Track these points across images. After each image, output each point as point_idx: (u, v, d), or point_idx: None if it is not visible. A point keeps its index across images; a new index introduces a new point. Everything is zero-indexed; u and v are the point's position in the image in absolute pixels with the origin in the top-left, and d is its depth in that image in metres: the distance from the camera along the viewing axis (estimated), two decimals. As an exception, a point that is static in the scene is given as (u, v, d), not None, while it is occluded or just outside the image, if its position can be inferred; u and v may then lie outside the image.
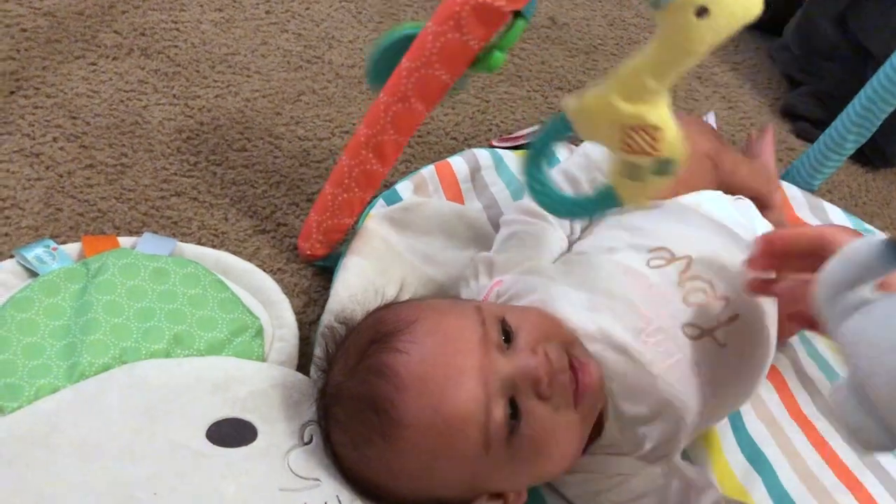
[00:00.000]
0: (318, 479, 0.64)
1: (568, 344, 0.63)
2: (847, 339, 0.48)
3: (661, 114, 0.57)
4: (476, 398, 0.58)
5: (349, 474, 0.64)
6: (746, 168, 0.96)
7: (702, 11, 0.52)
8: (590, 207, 0.65)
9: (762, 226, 0.84)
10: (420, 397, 0.58)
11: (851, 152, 1.10)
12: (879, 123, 1.04)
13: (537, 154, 0.65)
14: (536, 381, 0.59)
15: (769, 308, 0.76)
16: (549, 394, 0.59)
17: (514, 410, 0.59)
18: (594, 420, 0.64)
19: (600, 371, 0.64)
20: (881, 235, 0.53)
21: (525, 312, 0.65)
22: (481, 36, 0.64)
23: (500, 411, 0.58)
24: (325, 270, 0.86)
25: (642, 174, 0.59)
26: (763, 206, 0.93)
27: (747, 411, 0.81)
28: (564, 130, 0.62)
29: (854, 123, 1.05)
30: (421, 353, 0.59)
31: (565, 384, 0.60)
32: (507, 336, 0.62)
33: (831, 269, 0.50)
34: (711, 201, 0.82)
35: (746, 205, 0.87)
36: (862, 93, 1.03)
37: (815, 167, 1.13)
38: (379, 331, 0.63)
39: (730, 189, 0.89)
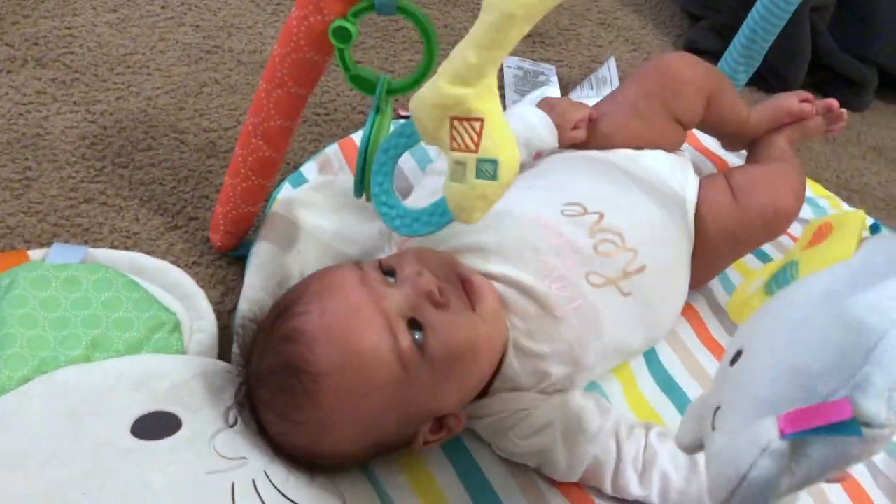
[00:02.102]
0: (244, 458, 0.66)
1: (452, 263, 0.68)
2: None
3: (486, 104, 0.54)
4: (379, 326, 0.62)
5: (278, 446, 0.67)
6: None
7: None
8: (425, 220, 0.60)
9: (693, 184, 0.87)
10: (329, 344, 0.62)
11: (745, 81, 1.14)
12: (765, 51, 1.08)
13: (382, 162, 0.62)
14: (428, 294, 0.63)
15: (680, 259, 0.80)
16: (445, 301, 0.64)
17: (417, 323, 0.63)
18: (498, 333, 0.68)
19: (490, 283, 0.68)
20: None
21: (407, 251, 0.70)
22: (338, 11, 0.65)
23: (403, 331, 0.62)
24: (240, 259, 0.88)
25: (467, 175, 0.54)
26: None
27: (661, 346, 0.85)
28: (411, 135, 0.59)
29: (741, 54, 1.09)
30: (319, 307, 0.63)
31: (458, 292, 0.66)
32: (391, 271, 0.66)
33: None
34: (650, 155, 0.86)
35: (684, 161, 0.90)
36: (746, 23, 1.07)
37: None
38: (279, 307, 0.67)
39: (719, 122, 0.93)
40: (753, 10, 1.04)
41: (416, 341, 0.62)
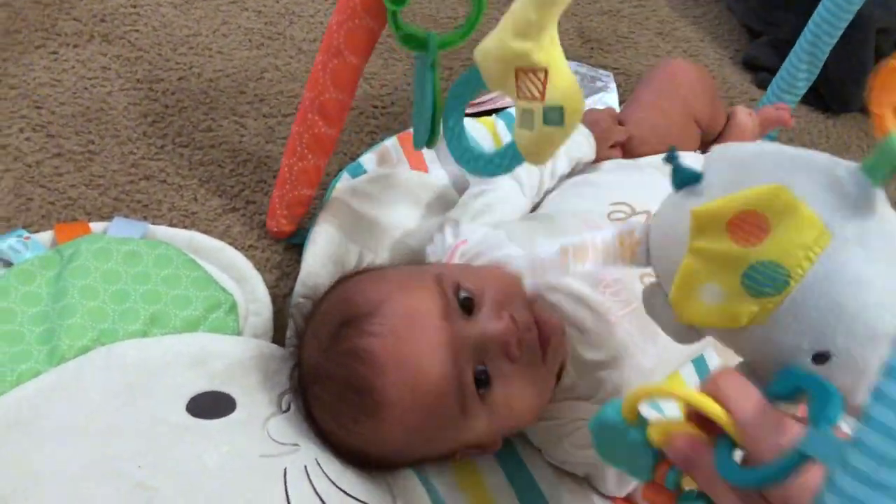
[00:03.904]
0: (297, 445, 0.66)
1: (530, 301, 0.66)
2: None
3: (549, 55, 0.55)
4: (449, 370, 0.61)
5: (331, 441, 0.67)
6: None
7: None
8: (497, 162, 0.63)
9: None
10: (398, 377, 0.61)
11: (805, 89, 1.12)
12: (825, 58, 1.06)
13: (452, 107, 0.64)
14: (505, 345, 0.61)
15: None
16: (519, 355, 0.62)
17: (486, 375, 0.62)
18: (558, 368, 0.67)
19: (562, 324, 0.67)
20: None
21: (487, 274, 0.68)
22: None
23: (470, 379, 0.61)
24: (295, 246, 0.88)
25: (534, 122, 0.56)
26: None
27: (709, 353, 0.84)
28: (478, 81, 0.61)
29: (802, 60, 1.07)
30: (394, 334, 0.62)
31: (533, 343, 0.63)
32: (471, 302, 0.64)
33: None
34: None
35: None
36: (806, 29, 1.06)
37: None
38: (349, 312, 0.65)
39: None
40: (815, 13, 1.03)
41: (479, 389, 0.62)
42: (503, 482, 0.69)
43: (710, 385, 0.44)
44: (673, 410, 0.76)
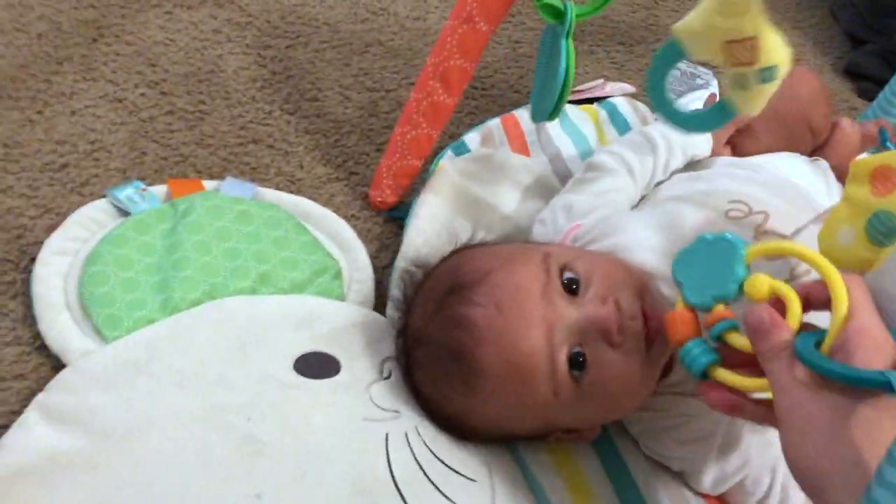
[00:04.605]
0: (397, 412, 0.68)
1: (641, 290, 0.65)
2: None
3: (756, 23, 0.59)
4: (540, 349, 0.60)
5: (429, 408, 0.68)
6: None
7: None
8: (709, 119, 0.68)
9: (836, 189, 0.85)
10: (495, 349, 0.61)
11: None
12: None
13: (656, 75, 0.68)
14: (606, 332, 0.61)
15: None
16: (620, 341, 0.61)
17: (582, 359, 0.61)
18: (665, 360, 0.66)
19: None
20: None
21: (598, 260, 0.67)
22: None
23: (564, 361, 0.61)
24: (395, 219, 0.89)
25: (750, 83, 0.61)
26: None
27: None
28: (678, 53, 0.65)
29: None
30: (496, 305, 0.62)
31: (637, 331, 0.62)
32: (577, 284, 0.64)
33: None
34: (787, 163, 0.84)
35: (824, 167, 0.88)
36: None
37: (875, 126, 1.12)
38: (456, 281, 0.65)
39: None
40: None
41: (573, 374, 0.61)
42: (598, 468, 0.69)
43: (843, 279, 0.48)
44: None
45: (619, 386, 0.63)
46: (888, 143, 0.57)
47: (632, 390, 0.64)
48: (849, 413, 0.42)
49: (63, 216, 0.77)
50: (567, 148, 0.97)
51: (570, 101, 1.07)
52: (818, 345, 0.46)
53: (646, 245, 0.71)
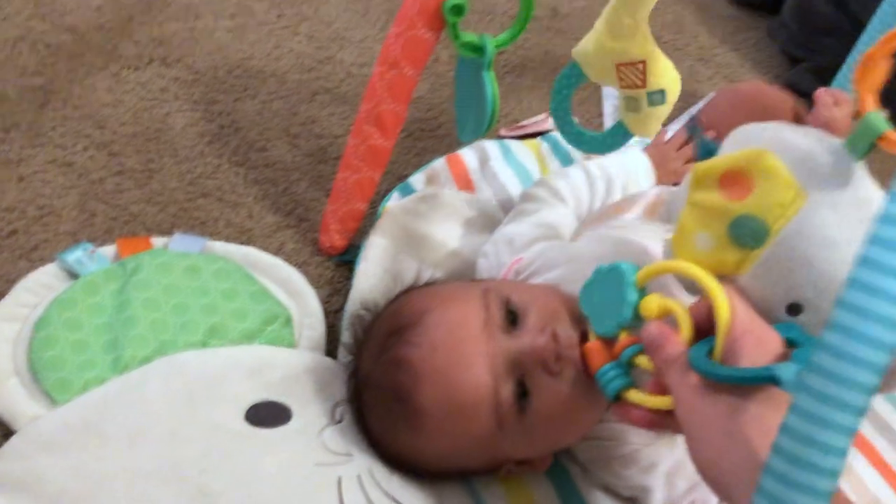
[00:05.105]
0: (350, 454, 0.68)
1: (579, 319, 0.66)
2: None
3: (644, 47, 0.62)
4: (483, 383, 0.61)
5: (381, 449, 0.69)
6: None
7: None
8: (607, 141, 0.70)
9: None
10: (434, 386, 0.62)
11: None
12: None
13: (558, 97, 0.71)
14: (544, 361, 0.62)
15: None
16: (558, 370, 0.62)
17: (524, 389, 0.62)
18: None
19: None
20: None
21: (535, 291, 0.69)
22: None
23: (507, 392, 0.62)
24: (346, 262, 0.90)
25: (640, 106, 0.64)
26: None
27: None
28: (578, 75, 0.68)
29: (850, 80, 1.08)
30: (431, 344, 0.63)
31: (574, 359, 0.62)
32: (515, 316, 0.65)
33: None
34: None
35: None
36: (847, 61, 1.07)
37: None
38: (395, 323, 0.67)
39: None
40: (858, 44, 1.04)
41: (517, 403, 0.62)
42: (552, 497, 0.70)
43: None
44: None
45: (563, 414, 0.64)
46: (703, 137, 0.59)
47: (575, 418, 0.65)
48: (740, 411, 0.44)
49: (12, 283, 0.78)
50: (511, 182, 0.99)
51: (514, 137, 1.09)
52: (711, 351, 0.48)
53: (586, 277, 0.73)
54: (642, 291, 0.54)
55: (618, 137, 0.69)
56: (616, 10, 0.63)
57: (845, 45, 1.34)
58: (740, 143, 0.53)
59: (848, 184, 0.49)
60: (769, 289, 0.51)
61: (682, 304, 0.51)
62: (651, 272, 0.53)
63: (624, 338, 0.55)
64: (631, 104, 0.65)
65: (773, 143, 0.51)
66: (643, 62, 0.63)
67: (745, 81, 1.36)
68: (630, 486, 0.70)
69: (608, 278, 0.55)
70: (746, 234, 0.50)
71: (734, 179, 0.51)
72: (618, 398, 0.54)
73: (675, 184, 0.88)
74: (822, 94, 0.97)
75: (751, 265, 0.51)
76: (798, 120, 0.94)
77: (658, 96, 0.63)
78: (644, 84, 0.63)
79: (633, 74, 0.63)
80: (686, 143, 0.93)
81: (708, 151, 0.58)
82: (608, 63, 0.64)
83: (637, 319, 0.53)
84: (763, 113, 0.91)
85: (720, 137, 0.94)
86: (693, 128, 0.60)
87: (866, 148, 0.48)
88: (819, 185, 0.49)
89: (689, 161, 0.91)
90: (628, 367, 0.55)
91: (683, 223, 0.54)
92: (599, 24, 0.64)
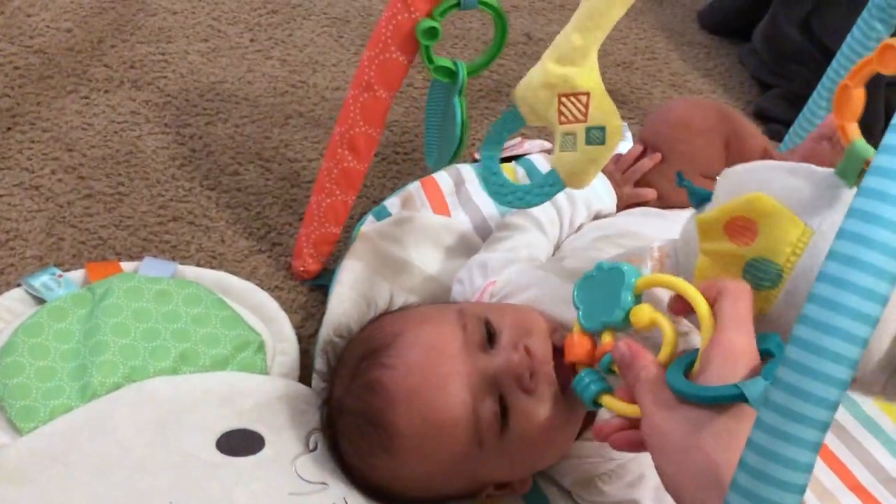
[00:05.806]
0: (325, 483, 0.67)
1: (551, 332, 0.66)
2: None
3: (589, 78, 0.60)
4: (462, 402, 0.61)
5: (357, 479, 0.67)
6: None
7: None
8: (536, 192, 0.66)
9: None
10: (410, 408, 0.62)
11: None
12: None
13: (490, 147, 0.69)
14: (518, 378, 0.62)
15: None
16: (534, 386, 0.62)
17: (503, 407, 0.62)
18: (583, 411, 0.67)
19: None
20: None
21: (507, 309, 0.69)
22: (425, 10, 0.73)
23: (487, 410, 0.61)
24: (320, 287, 0.89)
25: (577, 143, 0.61)
26: None
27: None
28: (515, 119, 0.65)
29: (816, 116, 1.10)
30: (406, 365, 0.63)
31: (549, 374, 0.63)
32: (491, 336, 0.65)
33: None
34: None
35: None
36: (819, 87, 1.08)
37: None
38: (368, 346, 0.67)
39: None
40: (828, 72, 1.06)
41: (497, 421, 0.62)
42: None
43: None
44: None
45: (541, 431, 0.63)
46: (691, 185, 0.58)
47: (554, 435, 0.65)
48: (701, 426, 0.45)
49: (-23, 308, 0.76)
50: (486, 206, 0.99)
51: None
52: (691, 365, 0.48)
53: (562, 296, 0.73)
54: (638, 298, 0.54)
55: (549, 186, 0.65)
56: (567, 30, 0.61)
57: (815, 71, 1.35)
58: (733, 188, 0.54)
59: (845, 210, 0.51)
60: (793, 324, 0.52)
61: (671, 320, 0.52)
62: (651, 282, 0.54)
63: (606, 340, 0.55)
64: (567, 142, 0.62)
65: (765, 185, 0.52)
66: (587, 94, 0.61)
67: (675, 99, 1.37)
68: (617, 503, 0.69)
69: (608, 276, 0.55)
70: (761, 276, 0.51)
71: (738, 226, 0.52)
72: (595, 403, 0.54)
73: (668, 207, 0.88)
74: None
75: (772, 306, 0.51)
76: (726, 126, 0.94)
77: (597, 133, 0.61)
78: (586, 118, 0.60)
79: (574, 107, 0.61)
80: (632, 164, 0.94)
81: (701, 199, 0.57)
82: (549, 95, 0.61)
83: (625, 323, 0.53)
84: (700, 132, 0.91)
85: (665, 159, 0.94)
86: (680, 176, 0.58)
87: (856, 174, 0.49)
88: (821, 216, 0.50)
89: (638, 184, 0.92)
90: (607, 373, 0.55)
91: (700, 271, 0.54)
92: (547, 53, 0.62)
